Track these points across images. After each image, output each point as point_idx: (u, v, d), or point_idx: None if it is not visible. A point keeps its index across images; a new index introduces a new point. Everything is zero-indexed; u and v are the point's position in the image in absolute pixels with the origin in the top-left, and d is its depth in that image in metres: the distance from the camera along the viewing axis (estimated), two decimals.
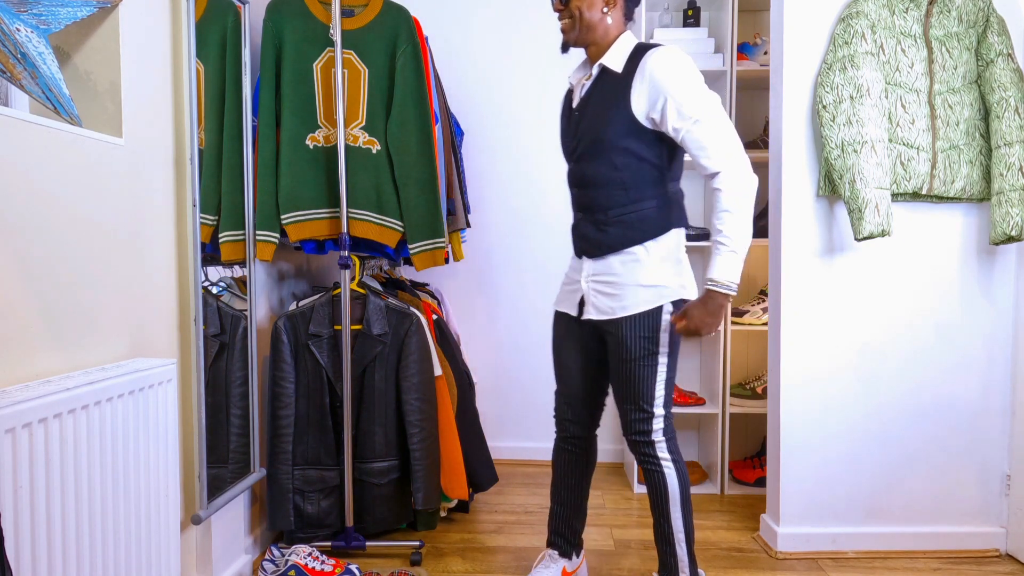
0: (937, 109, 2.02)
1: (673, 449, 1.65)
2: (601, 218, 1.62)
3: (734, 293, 1.51)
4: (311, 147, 2.05)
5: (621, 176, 1.58)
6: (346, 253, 2.02)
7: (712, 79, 2.78)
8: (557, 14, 1.64)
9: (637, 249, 1.60)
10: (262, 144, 2.01)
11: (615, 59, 1.58)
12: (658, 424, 1.63)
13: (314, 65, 2.04)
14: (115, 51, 1.39)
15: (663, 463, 1.63)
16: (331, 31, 1.99)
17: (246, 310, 1.89)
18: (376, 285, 2.21)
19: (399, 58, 2.06)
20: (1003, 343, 2.13)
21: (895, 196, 2.08)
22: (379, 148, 2.07)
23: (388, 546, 2.14)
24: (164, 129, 1.57)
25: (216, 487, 1.72)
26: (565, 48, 1.68)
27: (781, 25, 2.10)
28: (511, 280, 3.12)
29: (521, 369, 3.12)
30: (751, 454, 2.92)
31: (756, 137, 2.81)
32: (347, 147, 2.04)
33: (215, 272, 1.96)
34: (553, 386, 1.90)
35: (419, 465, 2.11)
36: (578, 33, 1.61)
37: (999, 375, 2.14)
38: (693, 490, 2.72)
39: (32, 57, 1.09)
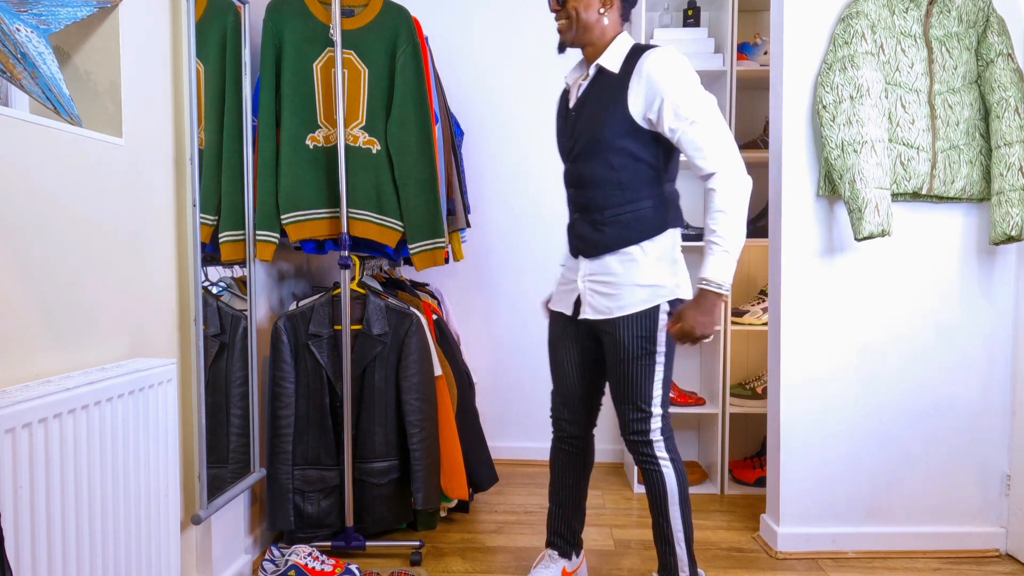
0: (937, 109, 2.02)
1: (671, 448, 1.65)
2: (598, 218, 1.62)
3: (727, 293, 1.51)
4: (311, 147, 2.05)
5: (618, 176, 1.59)
6: (346, 253, 2.02)
7: (712, 79, 2.78)
8: (554, 14, 1.64)
9: (633, 249, 1.60)
10: (262, 144, 2.01)
11: (612, 60, 1.59)
12: (656, 424, 1.63)
13: (314, 65, 2.04)
14: (115, 51, 1.39)
15: (661, 462, 1.64)
16: (331, 31, 1.99)
17: (246, 310, 1.89)
18: (376, 285, 2.21)
19: (399, 58, 2.06)
20: (1003, 343, 2.13)
21: (895, 196, 2.08)
22: (379, 148, 2.07)
23: (388, 546, 2.15)
24: (164, 129, 1.57)
25: (216, 487, 1.72)
26: (562, 48, 1.68)
27: (781, 25, 2.10)
28: (511, 280, 3.12)
29: (521, 369, 3.12)
30: (751, 454, 2.92)
31: (756, 137, 2.81)
32: (347, 147, 2.04)
33: (215, 272, 1.96)
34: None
35: (419, 465, 2.11)
36: (575, 33, 1.61)
37: (999, 375, 2.14)
38: (693, 490, 2.72)
39: (32, 57, 1.09)
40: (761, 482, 2.71)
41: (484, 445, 2.45)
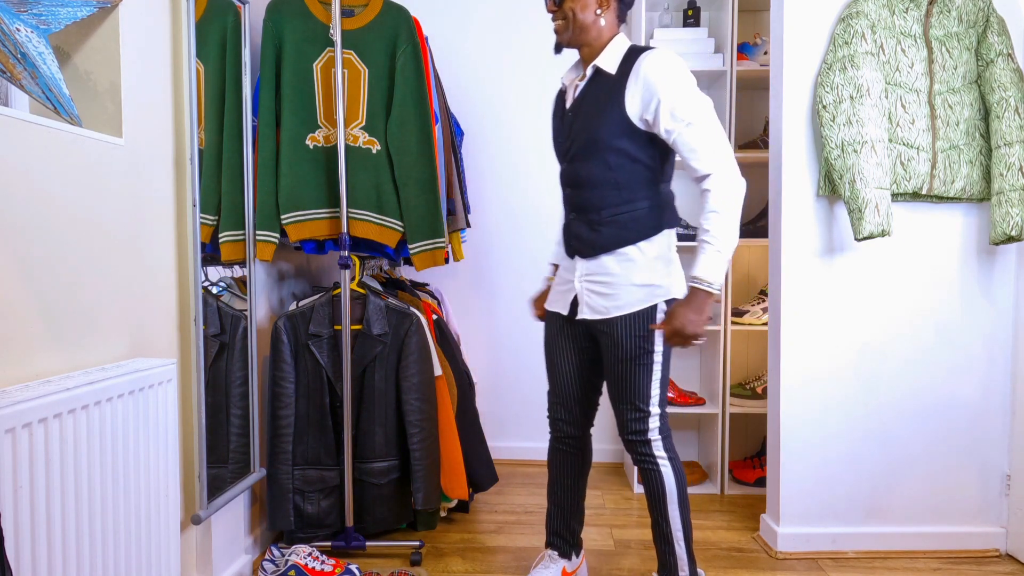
0: (937, 109, 2.02)
1: (669, 448, 1.65)
2: (594, 218, 1.63)
3: (718, 293, 1.51)
4: (311, 147, 2.05)
5: (615, 176, 1.59)
6: (346, 253, 2.02)
7: (712, 79, 2.78)
8: (551, 15, 1.65)
9: (630, 249, 1.60)
10: (262, 144, 2.01)
11: (609, 61, 1.60)
12: (654, 423, 1.64)
13: (314, 65, 2.04)
14: (115, 51, 1.39)
15: (659, 462, 1.64)
16: (331, 31, 1.99)
17: (246, 310, 1.89)
18: (376, 285, 2.21)
19: (399, 58, 2.06)
20: (1003, 343, 2.14)
21: (895, 196, 2.08)
22: (379, 148, 2.07)
23: (388, 546, 2.15)
24: (164, 129, 1.57)
25: (216, 487, 1.72)
26: (558, 49, 1.69)
27: (781, 25, 2.10)
28: (511, 280, 3.12)
29: (521, 369, 3.12)
30: (751, 454, 2.92)
31: (756, 137, 2.81)
32: (347, 147, 2.04)
33: (215, 272, 1.96)
34: None
35: (419, 465, 2.11)
36: (571, 34, 1.62)
37: (999, 375, 2.14)
38: (693, 490, 2.72)
39: (32, 57, 1.09)
40: (761, 482, 2.71)
41: (484, 445, 2.45)
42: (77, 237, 1.28)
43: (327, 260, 2.73)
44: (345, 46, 2.04)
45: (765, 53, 2.74)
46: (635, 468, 1.89)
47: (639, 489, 2.72)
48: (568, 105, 1.69)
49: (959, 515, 2.15)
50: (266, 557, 1.89)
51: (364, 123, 2.06)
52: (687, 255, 2.64)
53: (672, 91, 1.51)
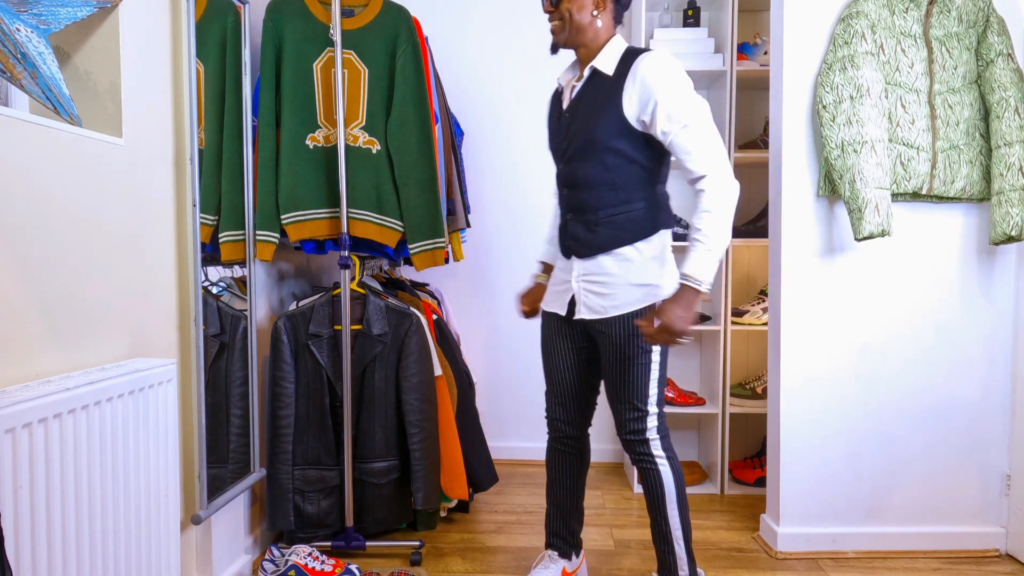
0: (937, 109, 2.02)
1: (667, 447, 1.66)
2: (591, 218, 1.63)
3: (707, 291, 1.52)
4: (311, 147, 2.05)
5: (612, 177, 1.60)
6: (346, 253, 2.02)
7: (712, 79, 2.78)
8: (548, 15, 1.65)
9: (627, 249, 1.61)
10: (262, 144, 2.01)
11: (606, 62, 1.60)
12: (652, 422, 1.64)
13: (314, 65, 2.04)
14: (115, 51, 1.39)
15: (658, 461, 1.64)
16: (331, 31, 1.99)
17: (246, 310, 1.89)
18: (376, 285, 2.21)
19: (399, 58, 2.06)
20: (1003, 343, 2.14)
21: (895, 196, 2.08)
22: (379, 148, 2.07)
23: (388, 546, 2.15)
24: (164, 129, 1.57)
25: (216, 487, 1.72)
26: (555, 49, 1.69)
27: (781, 25, 2.10)
28: (511, 280, 3.12)
29: (521, 369, 3.12)
30: (751, 454, 2.92)
31: (756, 137, 2.81)
32: (347, 147, 2.04)
33: (215, 272, 1.96)
34: None
35: (419, 465, 2.11)
36: (568, 35, 1.62)
37: (999, 375, 2.14)
38: (693, 490, 2.72)
39: (32, 57, 1.09)
40: (761, 482, 2.71)
41: (484, 445, 2.45)
42: (77, 237, 1.28)
43: (327, 260, 2.73)
44: (345, 46, 2.04)
45: (765, 53, 2.74)
46: (634, 468, 1.89)
47: (639, 489, 2.72)
48: (565, 106, 1.69)
49: (959, 515, 2.15)
50: (266, 557, 1.89)
51: (364, 123, 2.06)
52: (682, 255, 2.64)
53: (669, 93, 1.51)
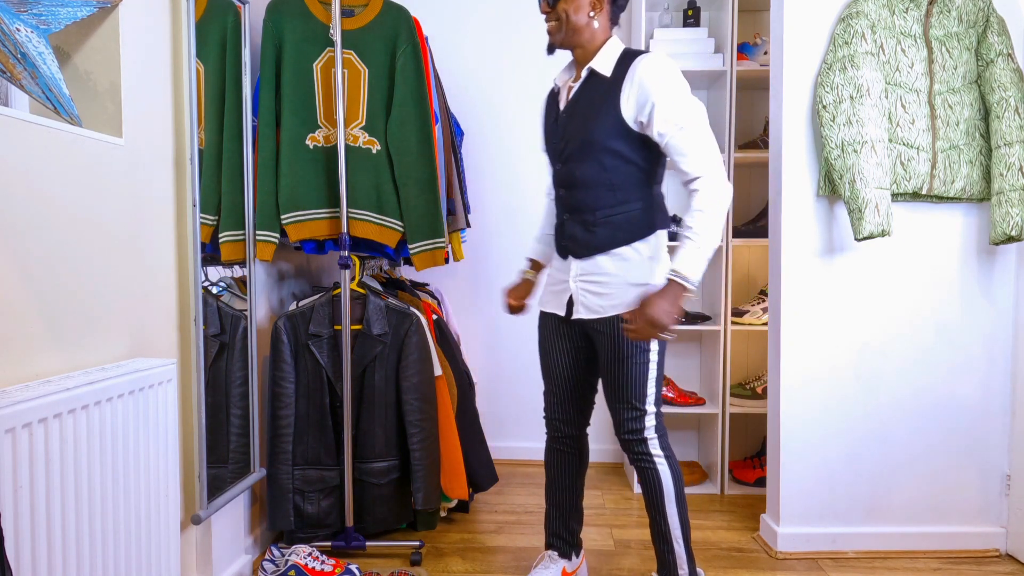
0: (937, 109, 2.02)
1: (665, 446, 1.66)
2: (589, 219, 1.64)
3: (694, 289, 1.52)
4: (311, 147, 2.05)
5: (609, 177, 1.61)
6: (346, 253, 2.02)
7: (712, 79, 2.78)
8: (544, 16, 1.65)
9: (625, 249, 1.62)
10: (262, 144, 2.01)
11: (604, 63, 1.61)
12: (650, 422, 1.64)
13: (314, 65, 2.04)
14: (115, 51, 1.39)
15: (656, 460, 1.65)
16: (331, 31, 1.99)
17: (246, 310, 1.89)
18: (376, 285, 2.21)
19: (399, 58, 2.06)
20: (1003, 343, 2.14)
21: (895, 196, 2.08)
22: (379, 148, 2.07)
23: (388, 546, 2.15)
24: (164, 129, 1.57)
25: (216, 487, 1.72)
26: (551, 50, 1.70)
27: (781, 25, 2.10)
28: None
29: (521, 369, 3.12)
30: (751, 454, 2.92)
31: (756, 137, 2.81)
32: (347, 147, 2.04)
33: (215, 272, 1.96)
34: None
35: (419, 465, 2.11)
36: (564, 35, 1.63)
37: (999, 375, 2.14)
38: (693, 490, 2.72)
39: (32, 57, 1.09)
40: (761, 482, 2.71)
41: (484, 445, 2.45)
42: (77, 237, 1.28)
43: (327, 260, 2.73)
44: (345, 46, 2.04)
45: (765, 53, 2.74)
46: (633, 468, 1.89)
47: (639, 489, 2.71)
48: (562, 106, 1.70)
49: (959, 515, 2.15)
50: (266, 557, 1.89)
51: (364, 123, 2.06)
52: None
53: (667, 95, 1.52)
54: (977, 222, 2.12)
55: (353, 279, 2.11)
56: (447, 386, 2.29)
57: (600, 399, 1.83)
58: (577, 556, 1.91)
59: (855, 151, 1.93)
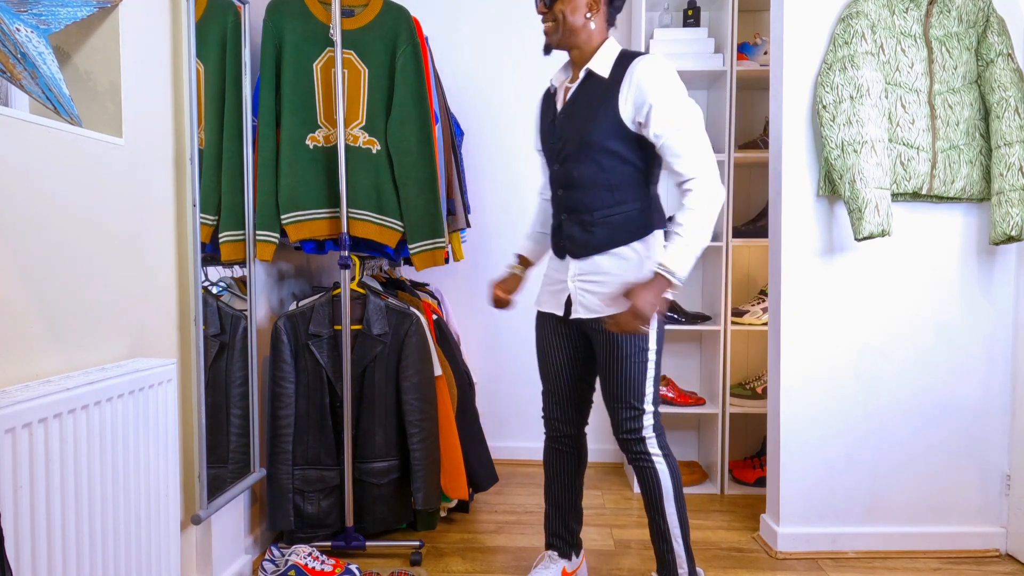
0: (937, 109, 2.02)
1: (663, 445, 1.67)
2: (587, 219, 1.64)
3: (680, 285, 1.53)
4: (311, 147, 2.05)
5: (607, 178, 1.61)
6: (346, 253, 2.02)
7: (712, 79, 2.78)
8: (541, 16, 1.66)
9: (623, 249, 1.63)
10: (262, 144, 2.01)
11: (601, 64, 1.62)
12: (648, 421, 1.65)
13: (314, 65, 2.04)
14: (115, 51, 1.39)
15: (655, 459, 1.65)
16: (331, 31, 1.99)
17: (246, 310, 1.89)
18: (376, 285, 2.21)
19: (399, 58, 2.06)
20: (1003, 343, 2.13)
21: (895, 196, 2.08)
22: (379, 148, 2.07)
23: (388, 546, 2.15)
24: (164, 129, 1.57)
25: (216, 487, 1.72)
26: (547, 50, 1.71)
27: (781, 25, 2.10)
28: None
29: (521, 369, 3.12)
30: (751, 454, 2.92)
31: (756, 137, 2.81)
32: (347, 147, 2.04)
33: (215, 272, 1.96)
34: None
35: (419, 465, 2.11)
36: (561, 36, 1.64)
37: (999, 375, 2.14)
38: (693, 490, 2.72)
39: (32, 57, 1.09)
40: (761, 482, 2.71)
41: (484, 445, 2.45)
42: (77, 237, 1.28)
43: (327, 260, 2.73)
44: (345, 46, 2.04)
45: (765, 53, 2.74)
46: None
47: (639, 489, 2.71)
48: (559, 107, 1.70)
49: (959, 515, 2.15)
50: (266, 557, 1.89)
51: (364, 123, 2.06)
52: None
53: (664, 97, 1.53)
54: (977, 222, 2.12)
55: (353, 279, 2.11)
56: (447, 386, 2.29)
57: (598, 398, 1.83)
58: (577, 556, 1.91)
59: (855, 151, 1.93)
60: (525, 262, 1.91)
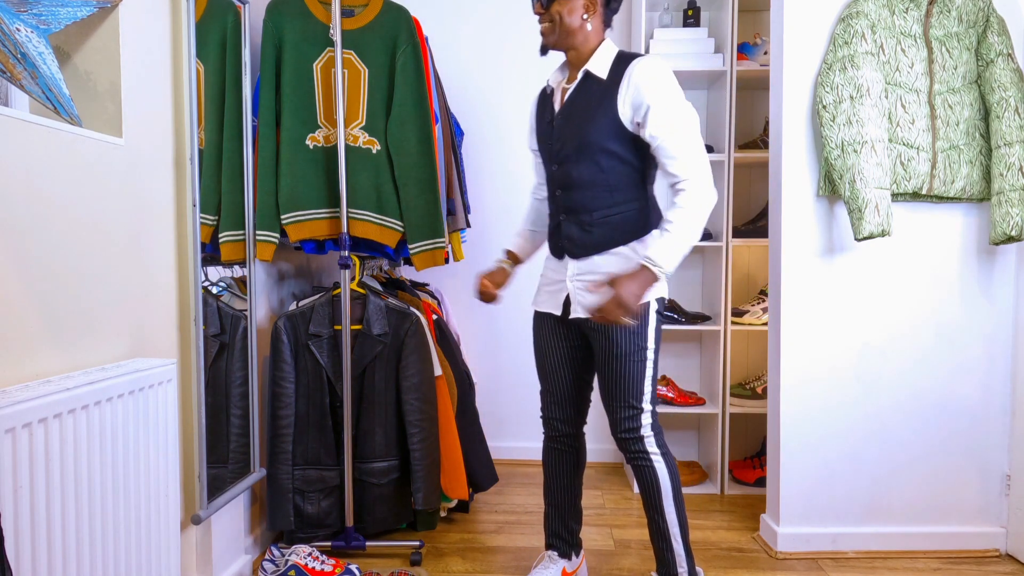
0: (937, 109, 2.02)
1: (661, 443, 1.67)
2: (586, 219, 1.65)
3: (663, 277, 1.54)
4: (311, 147, 2.05)
5: (606, 178, 1.62)
6: (346, 253, 2.02)
7: (712, 79, 2.78)
8: (538, 17, 1.66)
9: (622, 249, 1.64)
10: (262, 144, 2.01)
11: (599, 66, 1.62)
12: (647, 420, 1.65)
13: (314, 65, 2.04)
14: (115, 51, 1.39)
15: (653, 457, 1.66)
16: (331, 31, 1.99)
17: (246, 310, 1.89)
18: (376, 285, 2.21)
19: (399, 58, 2.06)
20: (1003, 343, 2.13)
21: (895, 196, 2.08)
22: (379, 148, 2.07)
23: (388, 546, 2.15)
24: (164, 129, 1.57)
25: (216, 487, 1.72)
26: (544, 51, 1.71)
27: (781, 25, 2.10)
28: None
29: (521, 369, 3.12)
30: (751, 454, 2.92)
31: (756, 137, 2.81)
32: (347, 147, 2.04)
33: (215, 272, 1.96)
34: None
35: (419, 465, 2.11)
36: (558, 37, 1.64)
37: (999, 375, 2.14)
38: (693, 490, 2.72)
39: (32, 57, 1.09)
40: (761, 482, 2.71)
41: (484, 445, 2.45)
42: (77, 237, 1.28)
43: (327, 260, 2.73)
44: (345, 46, 2.04)
45: (765, 53, 2.74)
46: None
47: (639, 489, 2.72)
48: (557, 108, 1.70)
49: (959, 515, 2.15)
50: (266, 557, 1.89)
51: (364, 123, 2.06)
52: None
53: (661, 99, 1.54)
54: (977, 222, 2.12)
55: (353, 279, 2.11)
56: (447, 386, 2.29)
57: (596, 398, 1.84)
58: (577, 556, 1.91)
59: (855, 151, 1.93)
60: (514, 258, 1.91)
